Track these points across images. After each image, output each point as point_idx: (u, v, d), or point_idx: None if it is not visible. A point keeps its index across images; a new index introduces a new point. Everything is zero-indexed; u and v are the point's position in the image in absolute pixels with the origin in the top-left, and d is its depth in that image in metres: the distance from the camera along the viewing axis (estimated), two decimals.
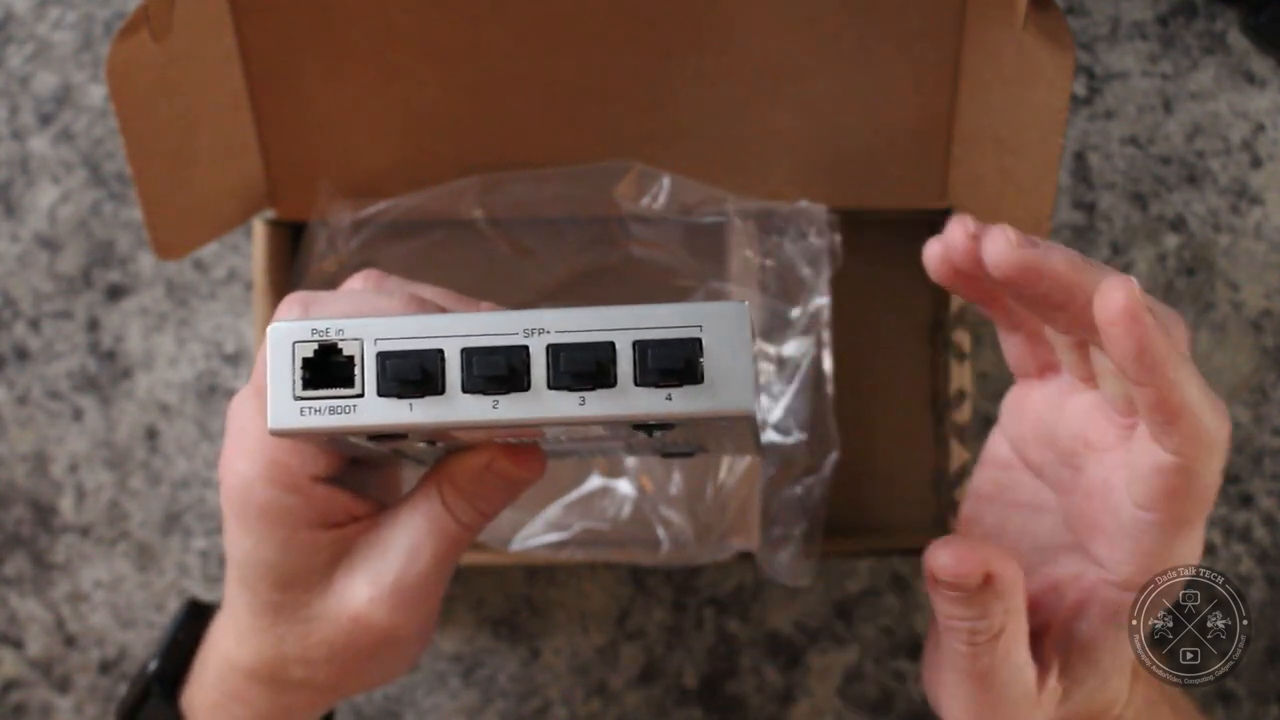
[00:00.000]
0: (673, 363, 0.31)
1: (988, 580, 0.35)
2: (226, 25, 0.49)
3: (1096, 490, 0.37)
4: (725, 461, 0.52)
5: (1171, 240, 0.58)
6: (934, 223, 0.55)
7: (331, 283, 0.54)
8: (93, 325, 0.59)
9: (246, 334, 0.59)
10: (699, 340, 0.32)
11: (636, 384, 0.32)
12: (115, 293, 0.59)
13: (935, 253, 0.38)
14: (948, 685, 0.38)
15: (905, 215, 0.55)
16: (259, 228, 0.54)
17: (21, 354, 0.59)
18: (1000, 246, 0.35)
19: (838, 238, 0.52)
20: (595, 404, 0.32)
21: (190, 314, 0.59)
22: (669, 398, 0.32)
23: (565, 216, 0.54)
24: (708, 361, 0.31)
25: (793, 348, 0.53)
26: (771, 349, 0.52)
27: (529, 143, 0.53)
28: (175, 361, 0.59)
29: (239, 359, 0.59)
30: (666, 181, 0.52)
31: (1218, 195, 0.58)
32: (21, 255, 0.59)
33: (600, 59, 0.51)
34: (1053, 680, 0.38)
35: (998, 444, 0.42)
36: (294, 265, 0.55)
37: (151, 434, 0.59)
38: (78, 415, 0.59)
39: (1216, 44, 0.59)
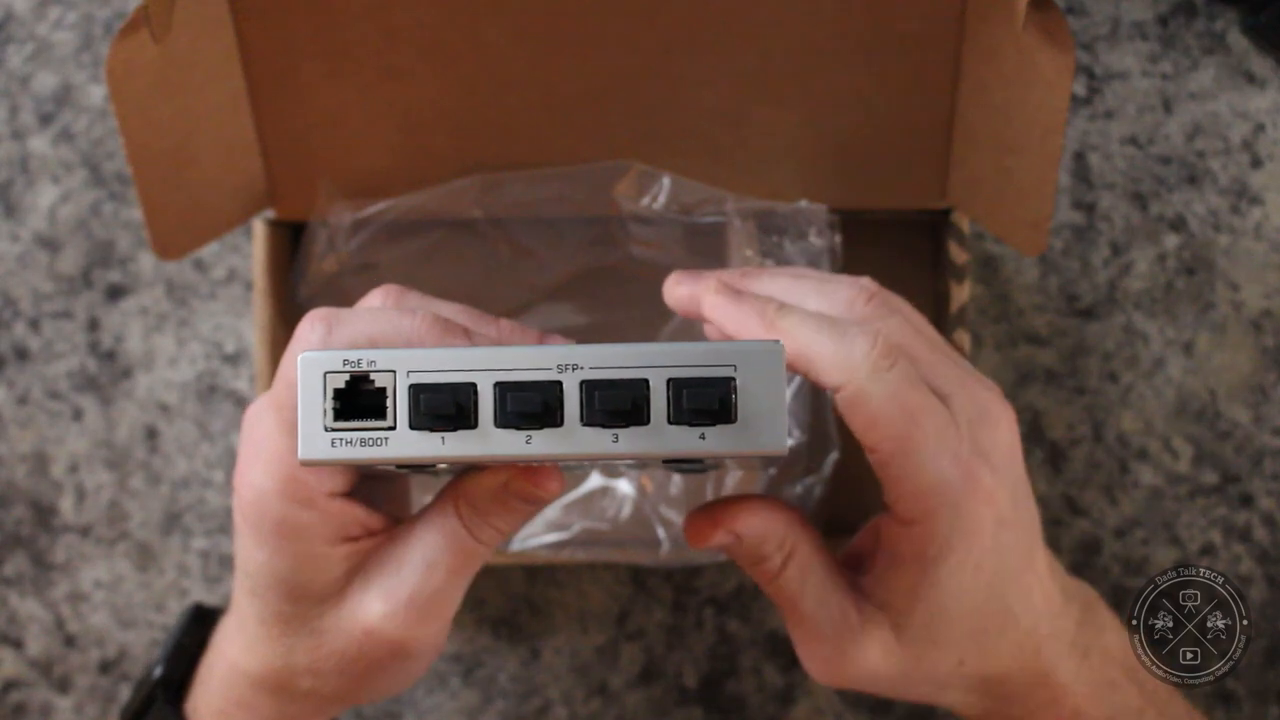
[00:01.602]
0: (707, 402, 0.31)
1: (739, 538, 0.40)
2: (226, 25, 0.49)
3: None
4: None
5: (1171, 240, 0.58)
6: (934, 223, 0.55)
7: (332, 282, 0.54)
8: (93, 325, 0.59)
9: (246, 334, 0.59)
10: (733, 380, 0.32)
11: (670, 422, 0.32)
12: (115, 293, 0.59)
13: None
14: (789, 630, 0.42)
15: (905, 215, 0.55)
16: (259, 228, 0.54)
17: (21, 354, 0.59)
18: (668, 288, 0.43)
19: (838, 238, 0.52)
20: (628, 441, 0.32)
21: (190, 314, 0.59)
22: (702, 436, 0.32)
23: (565, 216, 0.54)
24: (741, 401, 0.32)
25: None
26: None
27: (529, 143, 0.53)
28: (175, 361, 0.59)
29: (239, 359, 0.59)
30: (666, 181, 0.52)
31: (1218, 195, 0.58)
32: (21, 255, 0.59)
33: (600, 59, 0.51)
34: (871, 609, 0.40)
35: None
36: (294, 265, 0.55)
37: (151, 434, 0.59)
38: (78, 415, 0.59)
39: (1216, 44, 0.59)
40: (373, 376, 0.32)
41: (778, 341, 0.32)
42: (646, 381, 0.32)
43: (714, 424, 0.32)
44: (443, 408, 0.32)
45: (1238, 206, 0.58)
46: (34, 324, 0.59)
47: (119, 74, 0.45)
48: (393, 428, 0.32)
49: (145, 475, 0.59)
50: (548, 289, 0.55)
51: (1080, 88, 0.59)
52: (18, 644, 0.59)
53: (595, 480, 0.54)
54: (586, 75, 0.51)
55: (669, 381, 0.32)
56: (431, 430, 0.32)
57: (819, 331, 0.37)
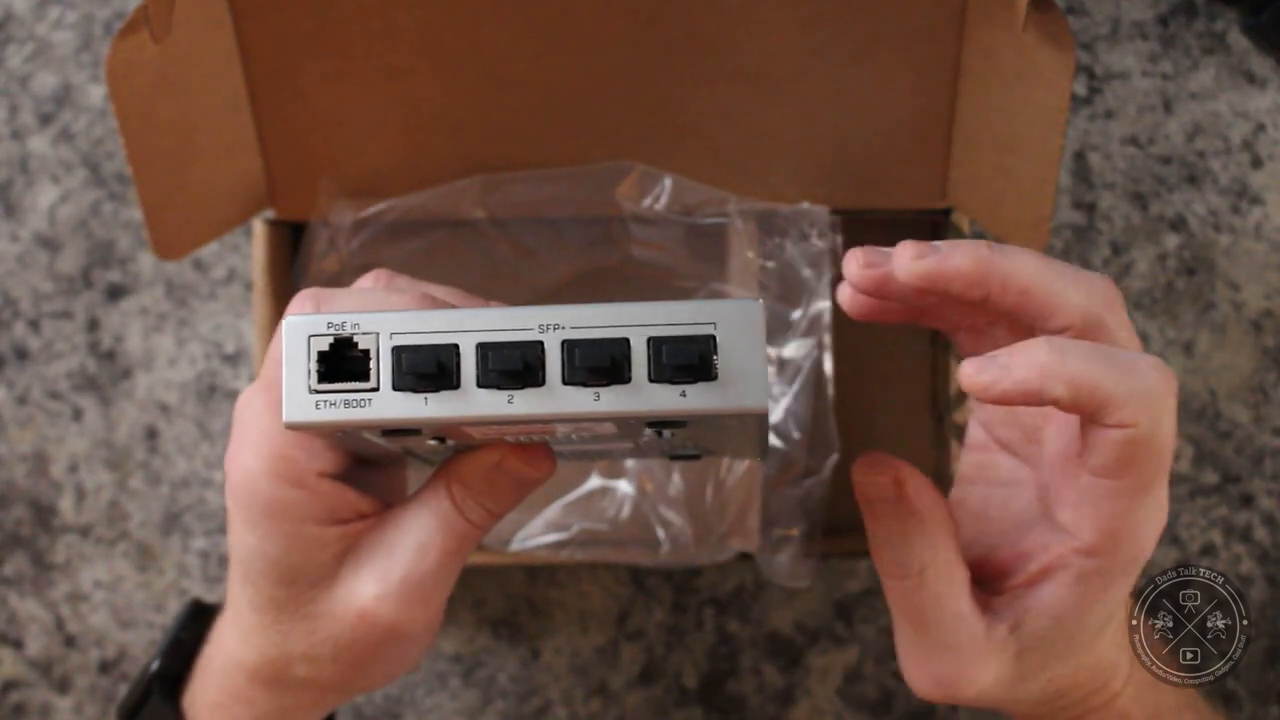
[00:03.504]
0: (687, 359, 0.31)
1: (901, 494, 0.37)
2: (226, 25, 0.49)
3: (1056, 460, 0.38)
4: (725, 462, 0.52)
5: (1171, 240, 0.58)
6: (934, 223, 0.55)
7: (333, 282, 0.54)
8: (93, 325, 0.59)
9: (246, 334, 0.59)
10: (713, 338, 0.32)
11: (651, 380, 0.32)
12: (115, 293, 0.59)
13: (846, 295, 0.39)
14: (897, 633, 0.40)
15: (905, 215, 0.55)
16: (259, 228, 0.54)
17: (21, 354, 0.59)
18: (904, 263, 0.36)
19: (839, 239, 0.52)
20: (610, 400, 0.32)
21: (190, 314, 0.59)
22: (683, 394, 0.32)
23: (566, 217, 0.54)
24: (721, 359, 0.32)
25: (794, 349, 0.53)
26: (773, 351, 0.52)
27: (530, 143, 0.53)
28: (175, 361, 0.59)
29: (239, 359, 0.59)
30: (668, 182, 0.52)
31: (1218, 195, 0.58)
32: (21, 255, 0.59)
33: (601, 59, 0.51)
34: (1002, 631, 0.38)
35: (974, 428, 0.43)
36: (294, 265, 0.55)
37: (151, 434, 0.59)
38: (78, 415, 0.59)
39: (1216, 44, 0.59)
40: (356, 339, 0.32)
41: (757, 299, 0.32)
42: (627, 340, 0.32)
43: (695, 381, 0.32)
44: (424, 367, 0.32)
45: (1238, 206, 0.58)
46: (34, 324, 0.59)
47: (119, 74, 0.45)
48: (376, 389, 0.32)
49: (145, 475, 0.59)
50: (549, 289, 0.55)
51: (1080, 88, 0.59)
52: (18, 644, 0.59)
53: (595, 480, 0.54)
54: (587, 75, 0.51)
55: (649, 340, 0.32)
56: (414, 391, 0.32)
57: (1108, 365, 0.33)
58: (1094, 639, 0.39)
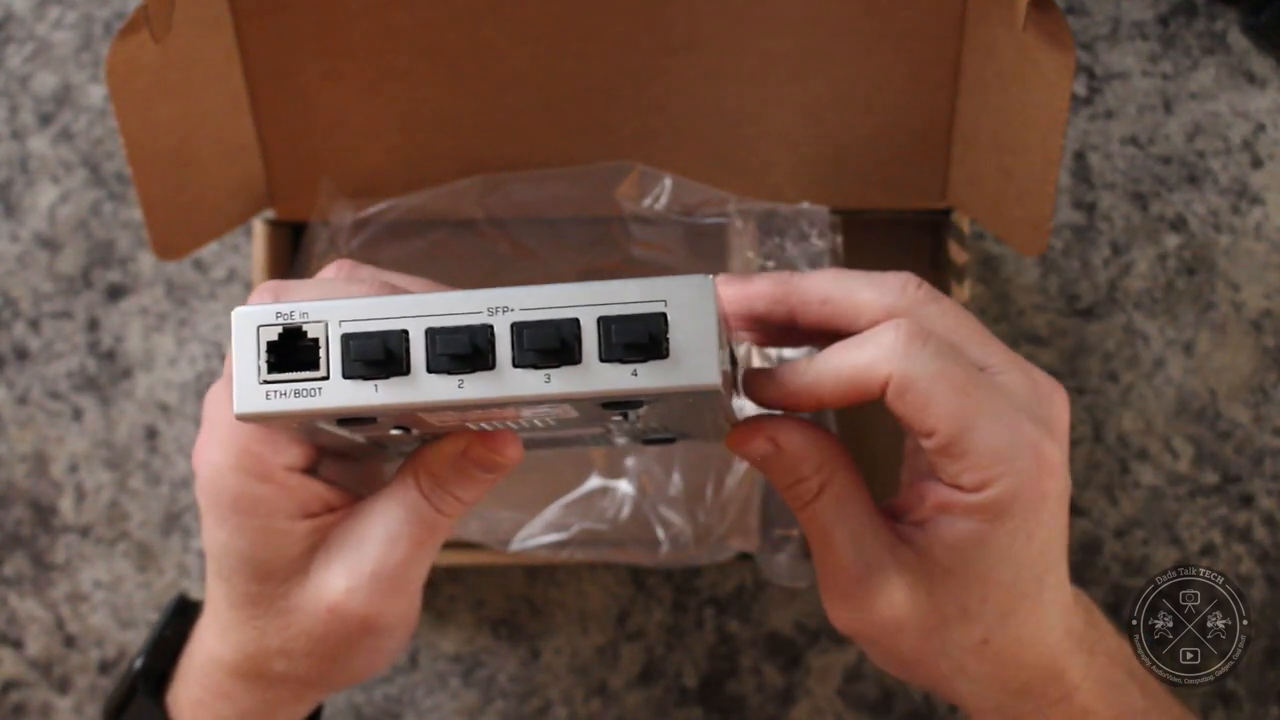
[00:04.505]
0: (637, 337, 0.31)
1: (779, 448, 0.39)
2: (226, 25, 0.49)
3: None
4: (725, 462, 0.52)
5: (1171, 240, 0.58)
6: (934, 223, 0.55)
7: None
8: (93, 325, 0.59)
9: None
10: (664, 315, 0.31)
11: (601, 360, 0.31)
12: (115, 293, 0.59)
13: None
14: (815, 566, 0.41)
15: (905, 215, 0.55)
16: (259, 228, 0.54)
17: (21, 354, 0.59)
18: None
19: (839, 239, 0.52)
20: (560, 381, 0.31)
21: (190, 314, 0.59)
22: (634, 373, 0.31)
23: (567, 217, 0.54)
24: (673, 336, 0.31)
25: (794, 349, 0.53)
26: (773, 351, 0.52)
27: (530, 143, 0.53)
28: (175, 361, 0.59)
29: None
30: (668, 182, 0.52)
31: (1218, 195, 0.58)
32: (21, 255, 0.59)
33: (600, 59, 0.51)
34: (908, 552, 0.39)
35: None
36: (294, 265, 0.55)
37: (151, 434, 0.59)
38: (78, 415, 0.59)
39: (1216, 44, 0.59)
40: (305, 328, 0.32)
41: (708, 275, 0.32)
42: (577, 320, 0.31)
43: (646, 360, 0.31)
44: (373, 354, 0.31)
45: (1238, 206, 0.58)
46: (34, 324, 0.59)
47: (119, 74, 0.45)
48: (326, 378, 0.32)
49: (145, 475, 0.59)
50: None
51: (1080, 88, 0.59)
52: (18, 644, 0.59)
53: (595, 480, 0.54)
54: (587, 75, 0.51)
55: (599, 319, 0.31)
56: (364, 379, 0.32)
57: (848, 349, 0.36)
58: (1025, 595, 0.38)
